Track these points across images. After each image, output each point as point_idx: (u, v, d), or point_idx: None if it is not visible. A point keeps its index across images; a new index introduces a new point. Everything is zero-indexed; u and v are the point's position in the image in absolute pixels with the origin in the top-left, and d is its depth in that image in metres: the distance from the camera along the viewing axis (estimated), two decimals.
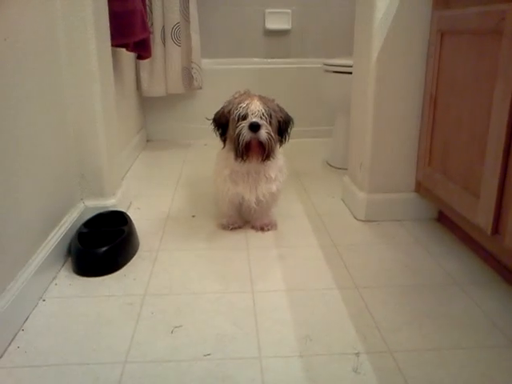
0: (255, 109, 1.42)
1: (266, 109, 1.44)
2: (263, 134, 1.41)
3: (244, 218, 1.70)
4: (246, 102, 1.43)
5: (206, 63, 2.91)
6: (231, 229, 1.66)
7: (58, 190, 1.43)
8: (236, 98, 1.49)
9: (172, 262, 1.43)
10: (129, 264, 1.41)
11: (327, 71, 2.27)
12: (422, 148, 1.62)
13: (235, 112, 1.44)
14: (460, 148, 1.37)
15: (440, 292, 1.28)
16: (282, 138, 1.52)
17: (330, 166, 2.43)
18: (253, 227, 1.68)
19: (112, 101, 1.75)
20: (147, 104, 2.91)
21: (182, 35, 2.60)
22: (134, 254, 1.47)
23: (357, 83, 1.79)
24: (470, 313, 1.18)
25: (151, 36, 2.57)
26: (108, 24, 1.69)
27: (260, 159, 1.47)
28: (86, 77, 1.53)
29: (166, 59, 2.63)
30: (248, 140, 1.41)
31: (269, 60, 3.24)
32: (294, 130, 1.55)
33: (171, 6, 2.52)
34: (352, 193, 1.82)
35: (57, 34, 1.43)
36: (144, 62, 2.61)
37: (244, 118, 1.42)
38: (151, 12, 2.54)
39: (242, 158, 1.45)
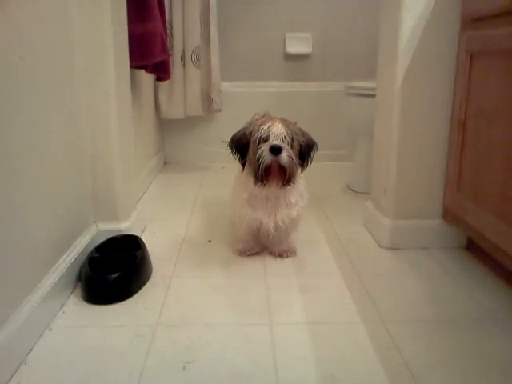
0: (277, 131, 1.36)
1: (288, 132, 1.38)
2: (284, 157, 1.35)
3: (262, 244, 1.63)
4: (268, 124, 1.38)
5: (226, 86, 2.89)
6: (248, 255, 1.59)
7: (69, 211, 1.38)
8: (257, 120, 1.44)
9: (186, 290, 1.36)
10: (141, 291, 1.35)
11: (349, 94, 2.21)
12: (451, 173, 1.54)
13: (256, 134, 1.38)
14: (493, 175, 1.28)
15: (475, 328, 1.18)
16: (303, 162, 1.45)
17: (352, 190, 2.35)
18: (271, 253, 1.61)
19: (129, 122, 1.71)
20: (165, 126, 2.89)
21: (201, 58, 2.58)
22: (146, 281, 1.40)
23: (381, 106, 1.73)
24: (511, 352, 1.08)
25: (171, 59, 2.57)
26: (127, 45, 1.66)
27: (280, 184, 1.40)
28: (102, 97, 1.49)
29: (186, 82, 2.61)
30: (269, 163, 1.35)
31: (289, 83, 3.21)
32: (316, 155, 1.48)
33: (192, 29, 2.51)
34: (375, 219, 1.73)
35: (74, 54, 1.41)
36: (163, 85, 2.59)
37: (265, 140, 1.37)
38: (172, 35, 2.53)
39: (262, 182, 1.39)
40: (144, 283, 1.39)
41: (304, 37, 3.20)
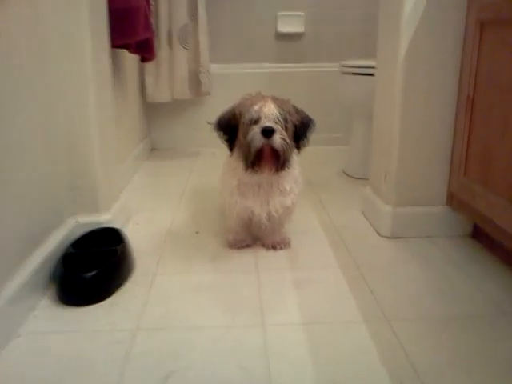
0: (269, 112, 1.24)
1: (281, 112, 1.26)
2: (277, 140, 1.23)
3: (253, 235, 1.52)
4: (259, 104, 1.25)
5: (215, 68, 2.74)
6: (239, 247, 1.47)
7: (42, 203, 1.26)
8: (247, 99, 1.31)
9: (170, 289, 1.25)
10: (121, 290, 1.23)
11: (345, 73, 2.09)
12: (457, 156, 1.42)
13: (246, 115, 1.26)
14: (505, 155, 1.17)
15: (486, 325, 1.08)
16: (298, 143, 1.33)
17: (347, 175, 2.24)
18: (263, 245, 1.49)
19: (110, 106, 1.58)
20: (152, 111, 2.75)
21: (189, 37, 2.43)
22: (127, 279, 1.28)
23: (381, 84, 1.60)
24: None
25: (156, 39, 2.42)
26: (107, 22, 1.53)
27: (273, 169, 1.28)
28: (78, 81, 1.37)
29: (172, 63, 2.46)
30: (260, 147, 1.23)
31: (281, 65, 3.07)
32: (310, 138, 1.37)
33: (178, 6, 2.36)
34: (375, 206, 1.62)
35: (46, 34, 1.27)
36: (149, 66, 2.45)
37: (256, 122, 1.24)
38: (156, 12, 2.38)
39: (253, 168, 1.27)
40: (125, 281, 1.27)
41: (296, 15, 3.07)
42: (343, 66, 2.09)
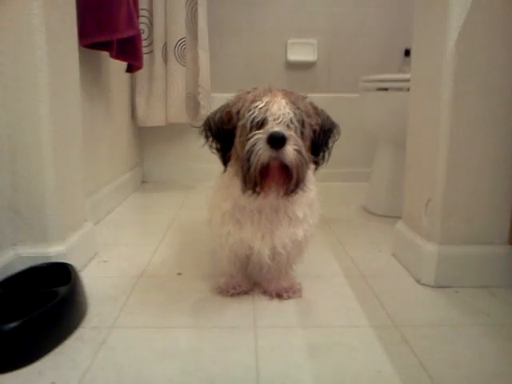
0: (279, 111, 0.89)
1: (296, 111, 0.91)
2: (290, 152, 0.87)
3: (252, 279, 1.14)
4: (265, 100, 0.91)
5: (218, 98, 2.45)
6: (232, 294, 1.09)
7: None
8: (248, 93, 0.97)
9: (128, 350, 0.86)
10: (56, 350, 0.85)
11: (368, 90, 1.77)
12: None
13: (247, 115, 0.91)
14: None
15: None
16: (317, 156, 0.98)
17: (369, 212, 1.87)
18: (265, 292, 1.11)
19: (75, 122, 1.27)
20: (146, 138, 2.44)
21: (187, 53, 2.14)
22: (69, 333, 0.91)
23: (418, 99, 1.27)
24: None
25: (150, 55, 2.14)
26: (74, 11, 1.24)
27: (282, 193, 0.93)
28: (27, 84, 1.07)
29: (168, 81, 2.16)
30: (266, 162, 0.88)
31: None
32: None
33: (176, 16, 2.08)
34: (412, 245, 1.24)
35: None
36: (140, 84, 2.15)
37: (261, 125, 0.89)
38: (151, 24, 2.11)
39: (254, 190, 0.91)
40: (65, 337, 0.89)
41: (308, 43, 2.85)
42: (365, 82, 1.78)
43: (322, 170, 1.02)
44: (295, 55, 2.84)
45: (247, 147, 0.88)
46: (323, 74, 2.92)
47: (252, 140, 0.88)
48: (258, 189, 0.91)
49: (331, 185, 2.24)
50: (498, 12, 1.05)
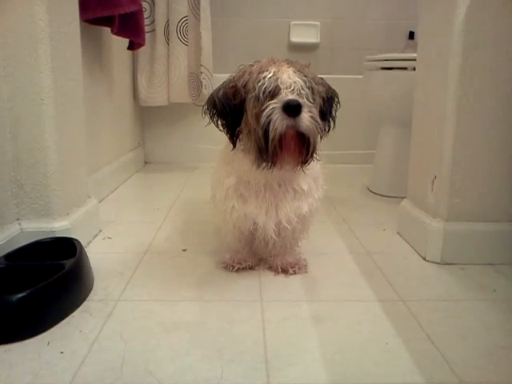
0: (289, 80, 0.87)
1: (306, 80, 0.89)
2: (306, 119, 0.86)
3: (258, 254, 1.14)
4: (272, 70, 0.89)
5: (220, 78, 2.43)
6: (238, 269, 1.09)
7: None
8: (253, 66, 0.95)
9: (134, 322, 0.86)
10: (63, 322, 0.85)
11: (372, 69, 1.75)
12: None
13: (256, 86, 0.89)
14: None
15: None
16: (324, 125, 0.97)
17: (373, 192, 1.86)
18: (271, 268, 1.11)
19: (77, 96, 1.25)
20: (147, 119, 2.41)
21: (189, 32, 2.11)
22: (77, 305, 0.90)
23: (426, 69, 1.25)
24: None
25: (152, 33, 2.11)
26: None
27: (299, 163, 0.91)
28: (29, 57, 1.05)
29: (170, 60, 2.14)
30: (283, 131, 0.86)
31: None
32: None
33: None
34: (417, 222, 1.24)
35: None
36: (142, 64, 2.13)
37: (272, 95, 0.87)
38: (153, 3, 2.08)
39: (272, 161, 0.89)
40: (72, 309, 0.89)
41: (311, 24, 2.81)
42: (370, 61, 1.76)
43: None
44: (298, 37, 2.81)
45: (263, 119, 0.86)
46: (326, 56, 2.90)
47: (267, 110, 0.86)
48: (275, 159, 0.89)
49: (334, 167, 2.23)
50: None
